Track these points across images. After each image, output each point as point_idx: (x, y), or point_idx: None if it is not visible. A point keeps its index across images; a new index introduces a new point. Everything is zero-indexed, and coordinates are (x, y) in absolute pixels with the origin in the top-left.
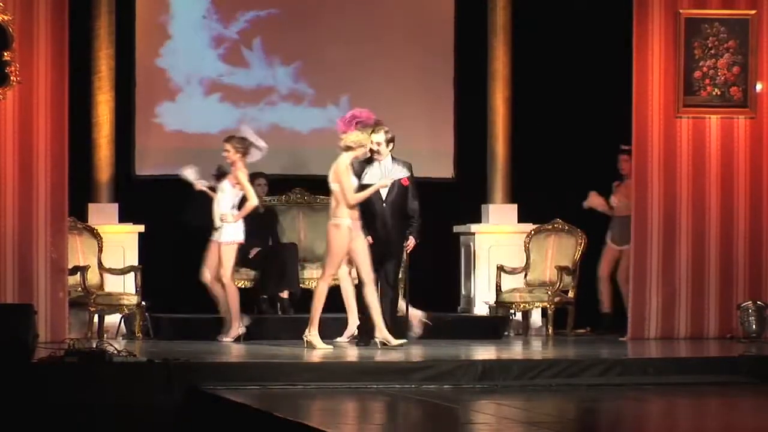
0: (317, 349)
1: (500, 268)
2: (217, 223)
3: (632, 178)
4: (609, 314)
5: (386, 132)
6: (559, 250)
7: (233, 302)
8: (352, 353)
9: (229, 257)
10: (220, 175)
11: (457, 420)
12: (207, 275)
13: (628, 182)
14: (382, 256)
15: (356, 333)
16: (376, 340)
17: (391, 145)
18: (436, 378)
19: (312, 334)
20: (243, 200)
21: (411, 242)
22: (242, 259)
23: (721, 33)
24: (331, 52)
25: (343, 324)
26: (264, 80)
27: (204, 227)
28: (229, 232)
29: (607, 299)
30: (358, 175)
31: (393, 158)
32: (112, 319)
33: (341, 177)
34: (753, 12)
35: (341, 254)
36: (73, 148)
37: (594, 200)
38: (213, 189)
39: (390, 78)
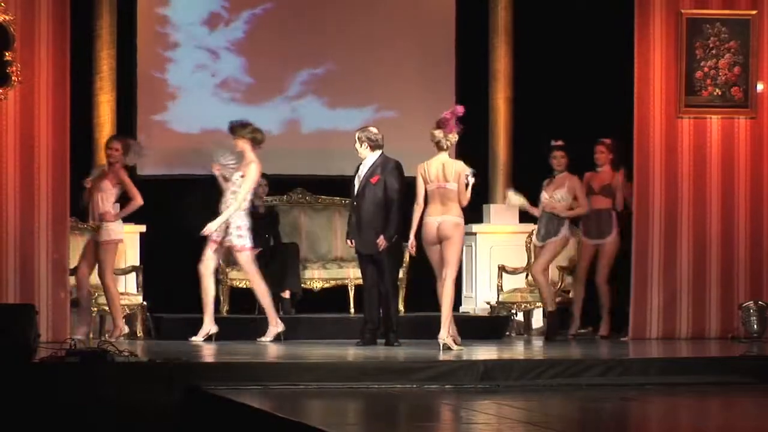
0: (453, 350)
1: (501, 268)
2: (97, 221)
3: (563, 174)
4: (554, 313)
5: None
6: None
7: (113, 303)
8: (354, 353)
9: (108, 257)
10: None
11: (458, 420)
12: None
13: (558, 178)
14: (372, 257)
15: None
16: (440, 341)
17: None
18: (437, 378)
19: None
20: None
21: (380, 241)
22: None
23: (723, 33)
24: (332, 54)
25: (345, 324)
26: (265, 80)
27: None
28: (109, 231)
29: (551, 297)
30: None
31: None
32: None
33: (461, 177)
34: (754, 12)
35: None
36: (75, 148)
37: (514, 199)
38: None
39: (391, 79)
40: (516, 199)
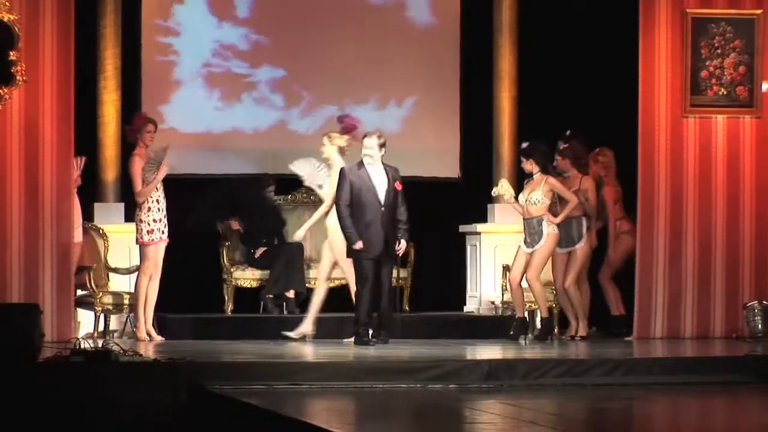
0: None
1: (506, 268)
2: None
3: (538, 175)
4: (525, 318)
5: (378, 137)
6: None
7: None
8: (358, 353)
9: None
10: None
11: (462, 420)
12: None
13: (535, 179)
14: (379, 259)
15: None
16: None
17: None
18: (441, 378)
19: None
20: None
21: (403, 245)
22: (248, 258)
23: (728, 32)
24: (336, 53)
25: (349, 324)
26: (269, 81)
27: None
28: None
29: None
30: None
31: (381, 162)
32: (118, 319)
33: None
34: (759, 11)
35: None
36: (79, 147)
37: (504, 189)
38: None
39: (395, 78)
40: (505, 190)
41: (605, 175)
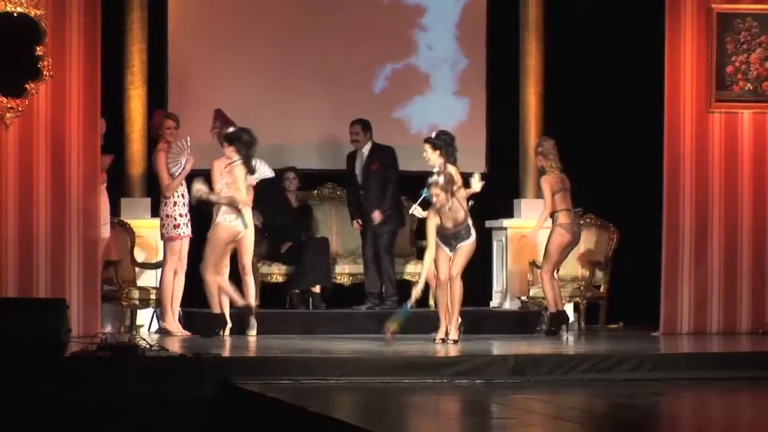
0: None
1: (532, 263)
2: None
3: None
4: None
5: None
6: (591, 245)
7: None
8: (384, 348)
9: None
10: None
11: (488, 415)
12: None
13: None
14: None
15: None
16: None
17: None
18: (468, 373)
19: None
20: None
21: (375, 216)
22: (274, 253)
23: (754, 28)
24: (361, 48)
25: (376, 319)
26: (292, 75)
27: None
28: None
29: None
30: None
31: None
32: (145, 314)
33: None
34: None
35: None
36: (106, 143)
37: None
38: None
39: (422, 73)
40: (415, 209)
41: (542, 165)
